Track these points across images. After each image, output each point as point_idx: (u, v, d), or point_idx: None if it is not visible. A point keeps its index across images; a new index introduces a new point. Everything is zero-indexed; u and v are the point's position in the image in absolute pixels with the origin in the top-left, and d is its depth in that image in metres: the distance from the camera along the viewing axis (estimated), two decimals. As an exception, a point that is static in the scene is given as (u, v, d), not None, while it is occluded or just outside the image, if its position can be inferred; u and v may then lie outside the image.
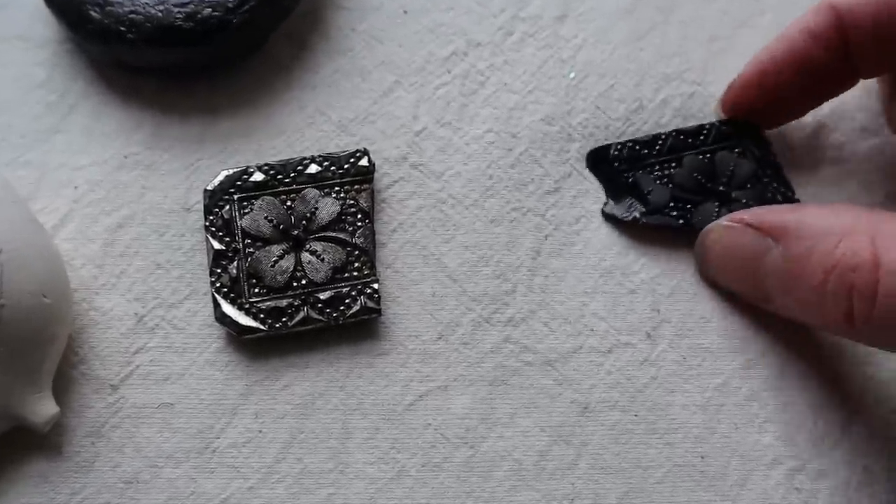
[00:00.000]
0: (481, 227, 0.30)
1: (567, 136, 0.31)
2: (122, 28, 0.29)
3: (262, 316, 0.27)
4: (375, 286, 0.28)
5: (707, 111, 0.33)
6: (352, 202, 0.29)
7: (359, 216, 0.29)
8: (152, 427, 0.27)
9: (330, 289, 0.28)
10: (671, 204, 0.30)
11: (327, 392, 0.27)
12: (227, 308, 0.27)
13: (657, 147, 0.31)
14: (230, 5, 0.29)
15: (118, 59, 0.30)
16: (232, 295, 0.27)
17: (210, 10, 0.29)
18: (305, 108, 0.31)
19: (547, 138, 0.31)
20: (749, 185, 0.30)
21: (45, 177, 0.29)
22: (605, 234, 0.30)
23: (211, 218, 0.28)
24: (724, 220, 0.29)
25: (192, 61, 0.30)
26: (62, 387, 0.27)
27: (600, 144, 0.31)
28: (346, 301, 0.28)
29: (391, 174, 0.30)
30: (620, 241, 0.30)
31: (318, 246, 0.28)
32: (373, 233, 0.29)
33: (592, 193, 0.31)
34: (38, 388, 0.25)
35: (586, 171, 0.31)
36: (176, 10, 0.29)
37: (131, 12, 0.29)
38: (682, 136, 0.31)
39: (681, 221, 0.30)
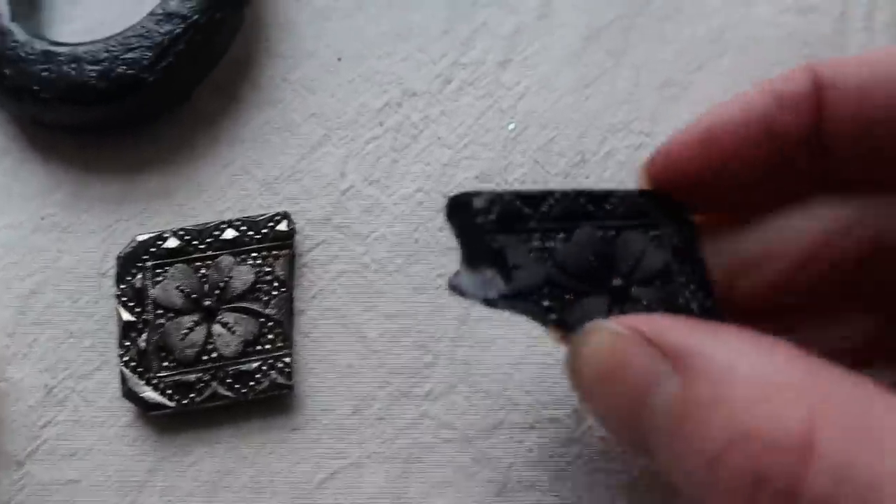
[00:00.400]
0: (405, 294, 0.28)
1: (502, 193, 0.30)
2: (35, 87, 0.28)
3: (169, 391, 0.26)
4: (287, 360, 0.27)
5: (656, 164, 0.31)
6: (268, 269, 0.28)
7: (275, 284, 0.28)
8: (57, 504, 0.26)
9: (240, 363, 0.27)
10: (544, 290, 0.22)
11: (237, 469, 0.26)
12: (134, 383, 0.26)
13: (544, 208, 0.23)
14: (145, 63, 0.28)
15: (34, 117, 0.29)
16: (140, 369, 0.27)
17: (125, 67, 0.28)
18: (230, 165, 0.30)
19: (481, 197, 0.30)
20: (657, 283, 0.23)
21: (-41, 240, 0.29)
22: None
23: (122, 287, 0.27)
24: (612, 323, 0.20)
25: (109, 119, 0.29)
26: (-32, 461, 0.26)
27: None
28: (257, 376, 0.27)
29: (314, 236, 0.29)
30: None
31: (229, 317, 0.27)
32: (290, 302, 0.28)
33: (527, 255, 0.29)
34: (-64, 468, 0.25)
35: (523, 230, 0.29)
36: (89, 68, 0.28)
37: (44, 70, 0.28)
38: (581, 200, 0.23)
39: (552, 316, 0.21)
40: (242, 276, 0.28)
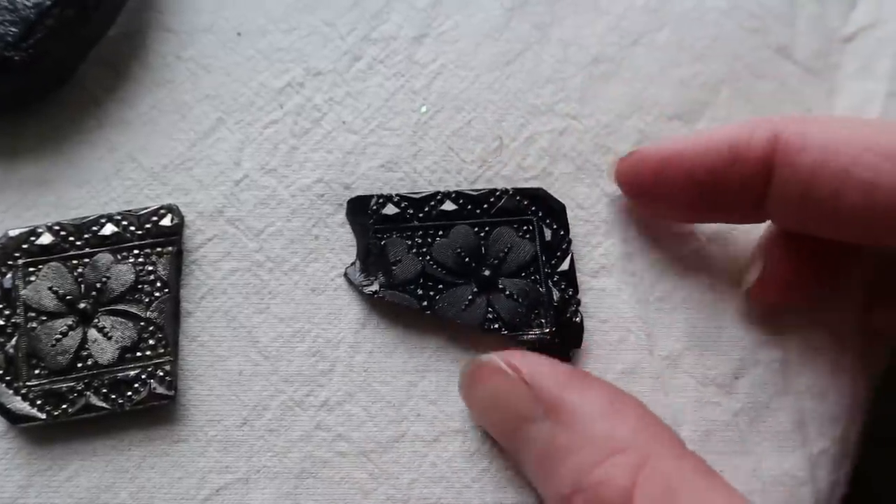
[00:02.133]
0: (300, 296, 0.26)
1: (412, 183, 0.28)
2: None
3: (39, 402, 0.24)
4: (168, 368, 0.25)
5: (581, 149, 0.28)
6: (150, 269, 0.26)
7: (157, 285, 0.25)
8: (-80, 523, 0.24)
9: (117, 371, 0.25)
10: (420, 281, 0.25)
11: (116, 484, 0.25)
12: (1, 392, 0.24)
13: (427, 208, 0.26)
14: (10, 39, 0.25)
15: None
16: (8, 377, 0.25)
17: (-12, 45, 0.25)
18: (115, 151, 0.28)
19: (387, 188, 0.27)
20: (523, 275, 0.26)
21: None
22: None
23: (-10, 287, 0.25)
24: (500, 361, 0.23)
25: (-19, 101, 0.27)
26: None
27: (441, 188, 0.27)
28: (135, 385, 0.25)
29: (204, 231, 0.27)
30: (462, 309, 0.26)
31: (106, 321, 0.25)
32: (174, 304, 0.26)
33: (438, 250, 0.27)
34: None
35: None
36: (-52, 46, 0.25)
37: None
38: (461, 201, 0.26)
39: (424, 303, 0.25)
40: (121, 276, 0.25)
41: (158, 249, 0.26)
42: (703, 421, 0.26)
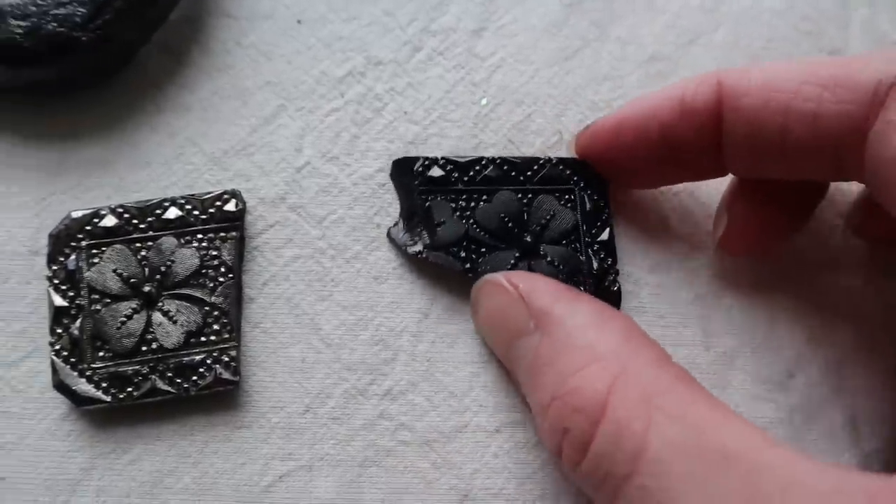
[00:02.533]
0: (363, 284, 0.26)
1: (472, 174, 0.28)
2: (-45, 43, 0.25)
3: (105, 385, 0.24)
4: (233, 353, 0.25)
5: (639, 146, 0.29)
6: (214, 253, 0.26)
7: (221, 270, 0.25)
8: (-19, 504, 0.24)
9: (182, 355, 0.25)
10: (463, 243, 0.26)
11: (178, 469, 0.25)
12: (66, 374, 0.24)
13: (471, 173, 0.26)
14: (78, 19, 0.25)
15: (-42, 77, 0.27)
16: (73, 359, 0.24)
17: (55, 24, 0.25)
18: (176, 135, 0.28)
19: (448, 178, 0.27)
20: (564, 241, 0.26)
21: None
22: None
23: (54, 268, 0.25)
24: (503, 277, 0.24)
25: (40, 82, 0.26)
26: None
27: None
28: (200, 370, 0.25)
29: (266, 217, 0.27)
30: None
31: (171, 305, 0.25)
32: (238, 289, 0.25)
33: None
34: None
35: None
36: (14, 23, 0.25)
37: (-35, 25, 0.25)
38: (505, 167, 0.26)
39: (466, 266, 0.25)
40: (186, 259, 0.25)
41: (222, 234, 0.26)
42: (758, 418, 0.26)
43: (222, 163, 0.27)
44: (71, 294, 0.25)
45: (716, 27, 0.30)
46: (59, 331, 0.25)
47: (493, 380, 0.26)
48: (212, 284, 0.25)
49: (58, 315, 0.25)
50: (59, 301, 0.25)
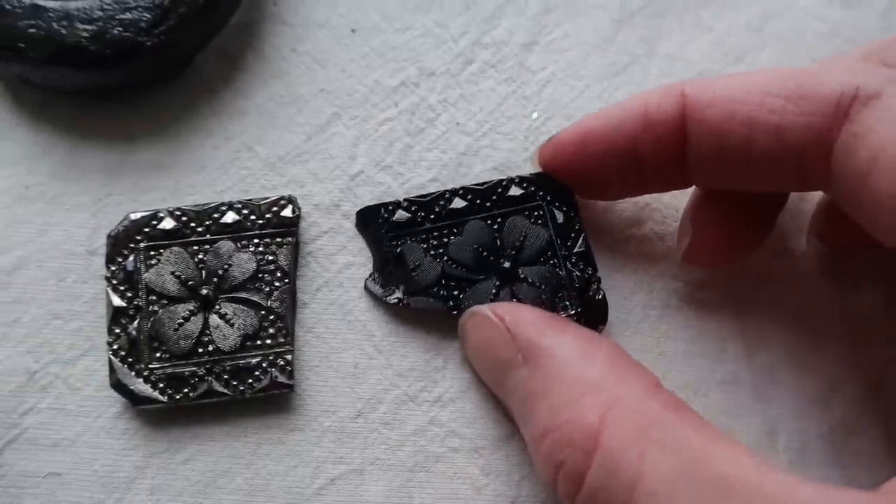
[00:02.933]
0: (415, 291, 0.27)
1: (522, 186, 0.28)
2: (21, 45, 0.26)
3: (161, 385, 0.25)
4: (289, 357, 0.25)
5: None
6: (270, 258, 0.26)
7: (277, 275, 0.26)
8: (36, 499, 0.24)
9: (238, 358, 0.25)
10: (442, 282, 0.25)
11: (231, 470, 0.25)
12: (124, 374, 0.25)
13: (437, 209, 0.26)
14: (143, 24, 0.26)
15: (21, 77, 0.27)
16: (130, 359, 0.25)
17: (121, 29, 0.26)
18: (232, 140, 0.28)
19: (499, 190, 0.28)
20: (542, 261, 0.26)
21: (-64, 207, 0.27)
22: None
23: (113, 269, 0.25)
24: (488, 309, 0.24)
25: (102, 84, 0.27)
26: (-58, 448, 0.24)
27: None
28: (256, 373, 0.25)
29: (320, 224, 0.27)
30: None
31: (228, 308, 0.25)
32: (292, 294, 0.26)
33: (545, 254, 0.28)
34: None
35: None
36: (81, 27, 0.26)
37: (31, 27, 0.26)
38: (469, 196, 0.26)
39: (449, 304, 0.25)
40: (243, 263, 0.26)
41: (278, 240, 0.26)
42: (800, 433, 0.27)
43: (277, 168, 0.28)
44: (129, 295, 0.25)
45: (762, 46, 0.31)
46: (118, 331, 0.25)
47: (541, 390, 0.26)
48: (268, 289, 0.26)
49: (116, 315, 0.25)
50: (117, 301, 0.25)
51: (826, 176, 0.22)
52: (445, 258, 0.26)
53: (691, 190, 0.27)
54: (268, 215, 0.26)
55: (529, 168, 0.28)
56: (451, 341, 0.26)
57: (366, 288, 0.26)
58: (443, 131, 0.28)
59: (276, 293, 0.26)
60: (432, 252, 0.26)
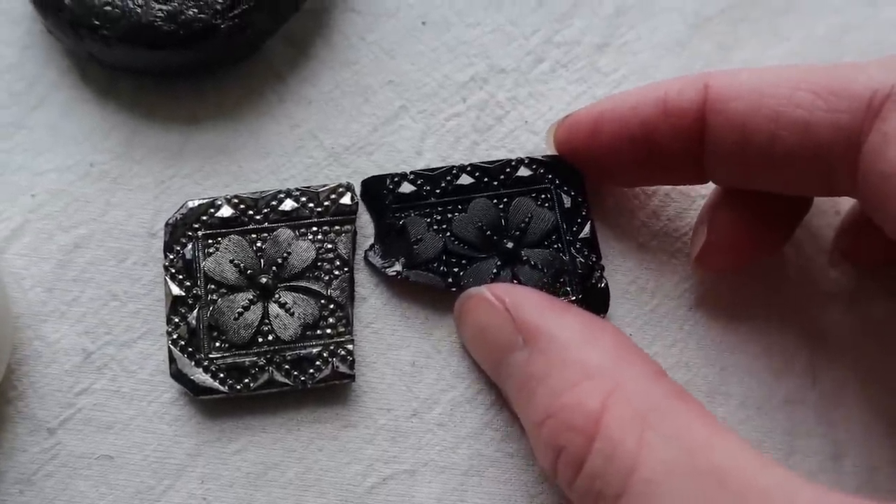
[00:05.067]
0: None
1: (591, 188, 0.27)
2: (96, 22, 0.25)
3: (221, 375, 0.24)
4: (350, 347, 0.25)
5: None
6: (330, 246, 0.25)
7: (336, 263, 0.25)
8: (88, 480, 0.24)
9: (299, 348, 0.25)
10: (443, 258, 0.25)
11: (283, 462, 0.25)
12: (184, 364, 0.24)
13: (443, 184, 0.26)
14: (219, 7, 0.25)
15: (93, 54, 0.27)
16: (190, 349, 0.24)
17: (195, 11, 0.25)
18: (297, 127, 0.28)
19: (566, 192, 0.27)
20: (546, 244, 0.25)
21: (0, 179, 0.27)
22: (622, 312, 0.26)
23: (171, 257, 0.25)
24: (487, 291, 0.23)
25: (173, 65, 0.27)
26: (-4, 423, 0.24)
27: (621, 199, 0.27)
28: (317, 363, 0.25)
29: (383, 217, 0.27)
30: (637, 321, 0.26)
31: (288, 297, 0.25)
32: (351, 284, 0.25)
33: (610, 259, 0.27)
34: (-37, 432, 0.23)
35: (608, 232, 0.27)
36: (157, 7, 0.25)
37: (106, 4, 0.25)
38: (477, 174, 0.26)
39: (449, 280, 0.25)
40: (302, 252, 0.25)
41: (337, 228, 0.26)
42: (869, 455, 0.26)
43: (342, 159, 0.27)
44: (188, 283, 0.25)
45: (840, 57, 0.30)
46: (177, 320, 0.25)
47: (601, 399, 0.25)
48: (327, 278, 0.25)
49: (175, 304, 0.25)
50: (176, 290, 0.25)
51: (854, 178, 0.21)
52: (448, 234, 0.25)
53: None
54: (326, 203, 0.26)
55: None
56: (511, 344, 0.26)
57: (365, 258, 0.26)
58: (511, 129, 0.28)
59: (335, 282, 0.25)
60: (435, 227, 0.25)
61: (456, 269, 0.25)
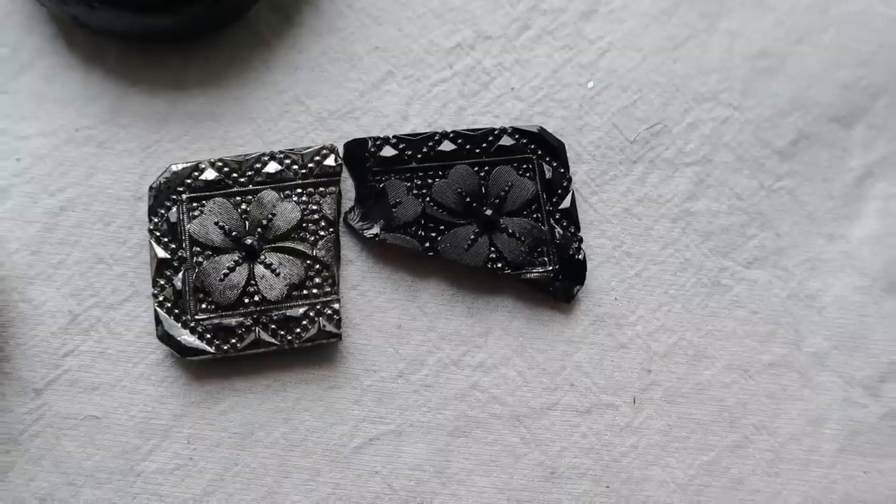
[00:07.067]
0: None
1: (575, 155, 0.28)
2: (80, -15, 0.25)
3: (208, 336, 0.24)
4: (336, 307, 0.25)
5: (742, 140, 0.28)
6: (315, 208, 0.26)
7: (322, 224, 0.25)
8: (75, 440, 0.24)
9: (285, 308, 0.25)
10: (421, 222, 0.25)
11: (269, 423, 0.25)
12: (170, 325, 0.24)
13: (425, 149, 0.26)
14: (203, -30, 0.25)
15: (77, 18, 0.27)
16: (176, 311, 0.24)
17: (180, -27, 0.25)
18: (283, 93, 0.28)
19: (551, 157, 0.27)
20: (525, 213, 0.26)
21: (-14, 144, 0.27)
22: (606, 276, 0.27)
23: (155, 220, 0.25)
24: None
25: (159, 30, 0.27)
26: (-18, 385, 0.24)
27: (605, 165, 0.27)
28: (303, 322, 0.25)
29: (369, 181, 0.27)
30: (621, 285, 0.27)
31: (273, 258, 0.25)
32: (337, 244, 0.25)
33: (596, 225, 0.27)
34: (-52, 391, 0.23)
35: (593, 198, 0.27)
36: (141, -31, 0.25)
37: (91, -33, 0.25)
38: (460, 140, 0.26)
39: (426, 245, 0.25)
40: (287, 213, 0.25)
41: (322, 189, 0.26)
42: (849, 421, 0.26)
43: (328, 123, 0.27)
44: (173, 246, 0.25)
45: (825, 28, 0.30)
46: (162, 282, 0.25)
47: (586, 360, 0.26)
48: (313, 238, 0.25)
49: (160, 267, 0.25)
50: (161, 253, 0.25)
51: None
52: (427, 199, 0.25)
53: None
54: (310, 164, 0.26)
55: (584, 137, 0.28)
56: (495, 308, 0.26)
57: (344, 220, 0.26)
58: (497, 95, 0.28)
59: (321, 242, 0.25)
60: (415, 191, 0.26)
61: (434, 234, 0.25)
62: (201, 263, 0.25)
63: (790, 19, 0.30)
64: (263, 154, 0.26)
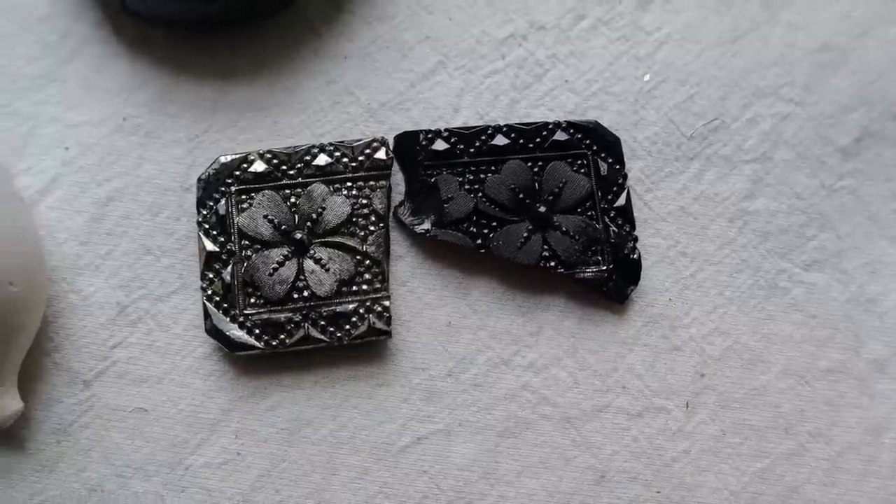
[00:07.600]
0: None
1: (630, 151, 0.27)
2: (129, -30, 0.25)
3: (257, 331, 0.24)
4: (386, 304, 0.24)
5: (803, 137, 0.27)
6: (365, 202, 0.25)
7: (372, 219, 0.25)
8: (123, 432, 0.24)
9: (335, 304, 0.24)
10: (473, 218, 0.25)
11: (317, 420, 0.24)
12: (219, 320, 0.24)
13: (478, 143, 0.25)
14: (255, -43, 0.25)
15: (125, 5, 0.26)
16: (225, 305, 0.24)
17: (231, -40, 0.25)
18: (333, 83, 0.27)
19: (606, 153, 0.27)
20: (579, 211, 0.25)
21: (34, 132, 0.26)
22: (661, 276, 0.26)
23: (204, 213, 0.25)
24: None
25: (208, 17, 0.26)
26: (32, 375, 0.24)
27: (660, 162, 0.27)
28: (353, 319, 0.24)
29: (420, 175, 0.26)
30: (675, 286, 0.26)
31: (323, 253, 0.25)
32: (387, 240, 0.25)
33: (651, 223, 0.26)
34: (0, 382, 0.23)
35: (648, 195, 0.27)
36: (191, -44, 0.25)
37: (141, -47, 0.25)
38: (513, 135, 0.25)
39: (478, 241, 0.25)
40: (337, 207, 0.25)
41: (372, 183, 0.25)
42: (908, 430, 0.25)
43: (378, 115, 0.27)
44: (221, 239, 0.25)
45: (891, 20, 0.29)
46: (211, 275, 0.24)
47: (638, 362, 0.25)
48: (363, 233, 0.25)
49: (209, 260, 0.24)
50: (210, 246, 0.25)
51: None
52: (480, 194, 0.25)
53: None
54: (361, 158, 0.25)
55: (639, 132, 0.27)
56: (546, 307, 0.25)
57: (394, 214, 0.25)
58: (550, 88, 0.27)
59: (371, 237, 0.25)
60: (467, 186, 0.25)
61: (486, 231, 0.25)
62: (250, 257, 0.24)
63: (855, 11, 0.29)
64: (313, 146, 0.25)
